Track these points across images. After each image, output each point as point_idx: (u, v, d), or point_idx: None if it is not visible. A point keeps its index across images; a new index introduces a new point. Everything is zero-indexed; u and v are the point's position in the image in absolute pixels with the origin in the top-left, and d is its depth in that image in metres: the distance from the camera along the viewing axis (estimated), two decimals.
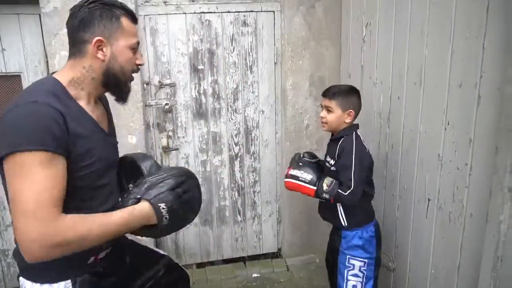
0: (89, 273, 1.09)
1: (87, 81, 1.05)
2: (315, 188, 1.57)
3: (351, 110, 1.60)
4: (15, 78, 2.21)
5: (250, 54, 2.43)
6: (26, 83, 2.22)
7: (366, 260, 1.63)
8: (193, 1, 2.29)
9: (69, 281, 1.05)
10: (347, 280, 1.64)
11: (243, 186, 2.61)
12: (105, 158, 1.08)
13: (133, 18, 1.09)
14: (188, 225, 2.66)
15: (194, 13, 2.30)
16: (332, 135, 1.69)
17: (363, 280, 1.64)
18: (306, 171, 1.61)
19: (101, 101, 1.18)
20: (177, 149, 2.45)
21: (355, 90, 1.67)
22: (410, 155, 1.72)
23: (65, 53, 2.12)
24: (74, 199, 0.98)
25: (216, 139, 2.50)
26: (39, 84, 1.03)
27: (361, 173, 1.54)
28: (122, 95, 1.14)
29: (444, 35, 1.44)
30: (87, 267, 1.09)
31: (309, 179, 1.59)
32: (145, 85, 2.32)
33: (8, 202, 0.92)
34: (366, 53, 2.07)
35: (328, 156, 1.68)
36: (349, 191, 1.51)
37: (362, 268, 1.63)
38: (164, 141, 2.41)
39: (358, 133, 1.63)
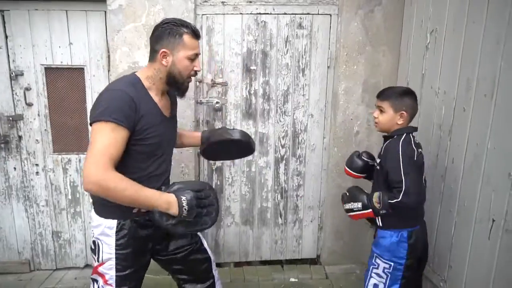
0: (132, 220, 1.41)
1: (157, 79, 1.42)
2: (371, 210, 1.55)
3: (403, 112, 1.59)
4: (79, 70, 2.33)
5: (304, 56, 2.40)
6: (88, 76, 2.33)
7: (391, 264, 1.60)
8: (250, 2, 2.30)
9: (116, 221, 1.39)
10: (370, 276, 1.66)
11: (286, 189, 2.59)
12: (162, 134, 1.42)
13: (195, 35, 1.40)
14: (229, 224, 2.69)
15: (251, 13, 2.32)
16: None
17: (386, 282, 1.61)
18: (353, 199, 1.60)
19: (169, 95, 1.53)
20: None
21: (410, 92, 1.64)
22: (473, 171, 1.62)
23: (126, 49, 2.22)
24: (135, 160, 1.35)
25: (263, 140, 2.50)
26: (125, 77, 1.42)
27: (413, 172, 1.49)
28: (180, 92, 1.49)
29: None
30: (131, 215, 1.40)
31: (361, 206, 1.57)
32: (197, 83, 2.37)
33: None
34: (429, 61, 1.98)
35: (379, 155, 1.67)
36: (402, 193, 1.47)
37: (386, 270, 1.62)
38: None
39: (412, 136, 1.59)
